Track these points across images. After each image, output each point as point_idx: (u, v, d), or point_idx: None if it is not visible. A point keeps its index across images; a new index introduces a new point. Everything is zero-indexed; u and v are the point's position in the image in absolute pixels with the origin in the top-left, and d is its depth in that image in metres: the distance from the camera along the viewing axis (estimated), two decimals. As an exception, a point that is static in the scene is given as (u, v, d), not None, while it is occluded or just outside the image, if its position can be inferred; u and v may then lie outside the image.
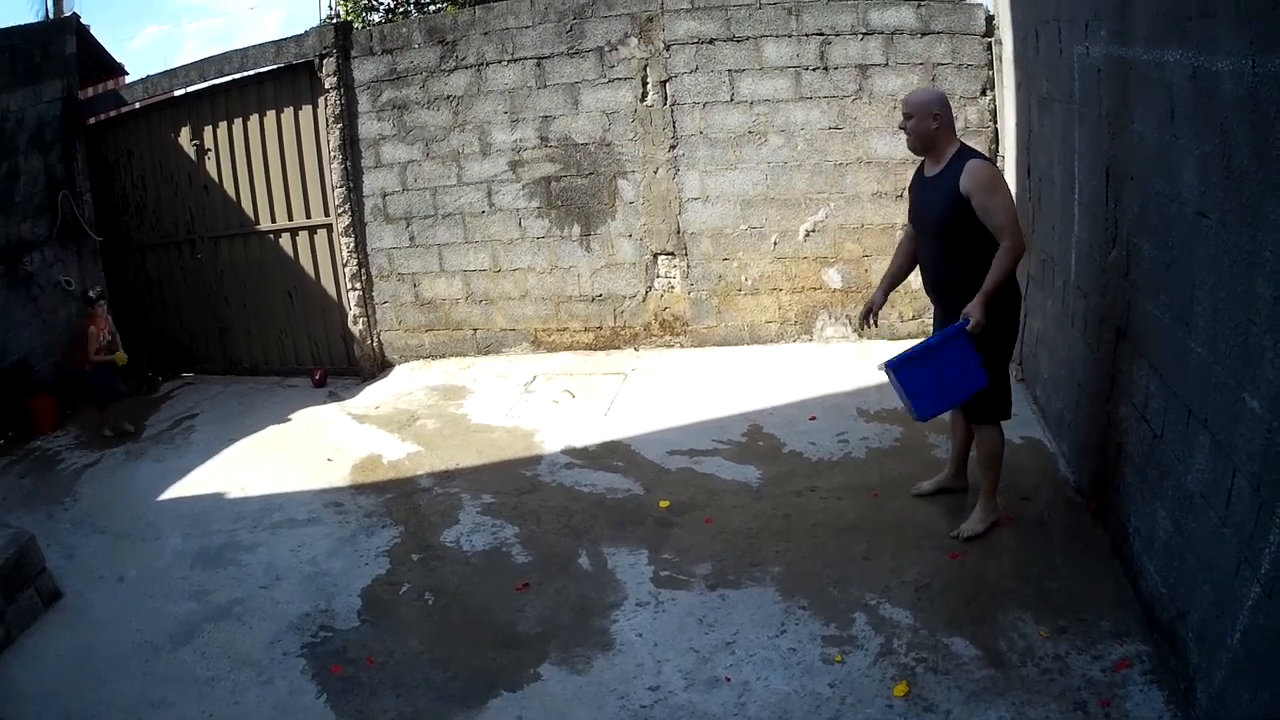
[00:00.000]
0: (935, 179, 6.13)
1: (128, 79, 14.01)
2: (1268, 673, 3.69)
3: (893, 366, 6.01)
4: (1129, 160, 5.56)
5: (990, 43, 9.92)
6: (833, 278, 10.76)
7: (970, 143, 9.95)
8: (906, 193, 6.73)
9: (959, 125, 9.97)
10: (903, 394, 6.08)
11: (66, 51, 12.19)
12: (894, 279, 6.88)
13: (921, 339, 7.26)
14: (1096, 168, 6.27)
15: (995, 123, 10.07)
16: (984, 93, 10.08)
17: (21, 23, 11.92)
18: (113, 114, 12.63)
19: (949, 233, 6.04)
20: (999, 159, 10.04)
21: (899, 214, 10.35)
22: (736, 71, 10.54)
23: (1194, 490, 4.59)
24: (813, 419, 8.72)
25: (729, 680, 5.42)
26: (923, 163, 6.35)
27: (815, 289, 10.84)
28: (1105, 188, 6.07)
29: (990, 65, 9.99)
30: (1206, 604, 4.41)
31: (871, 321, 6.80)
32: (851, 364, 9.89)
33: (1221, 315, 4.19)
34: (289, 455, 9.50)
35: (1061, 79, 7.11)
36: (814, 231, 10.68)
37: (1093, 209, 6.44)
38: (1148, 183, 5.22)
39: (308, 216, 11.95)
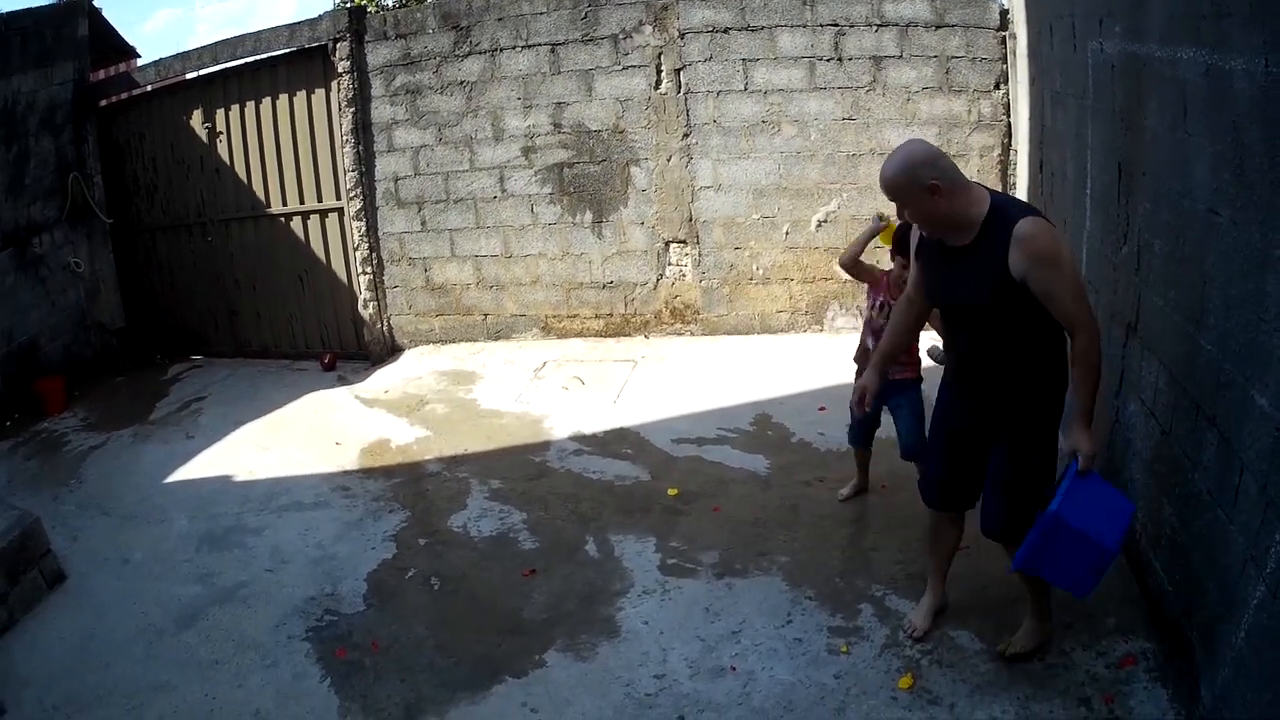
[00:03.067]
0: (965, 252, 4.68)
1: (139, 62, 13.98)
2: (1271, 672, 3.68)
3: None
4: (1141, 156, 5.54)
5: (1004, 37, 9.90)
6: (844, 269, 10.74)
7: (983, 137, 10.05)
8: (909, 259, 5.25)
9: (973, 119, 10.00)
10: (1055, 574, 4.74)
11: (79, 34, 12.17)
12: (891, 357, 5.60)
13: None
14: (1109, 163, 6.25)
15: (1008, 116, 10.05)
16: (997, 86, 10.04)
17: (34, 5, 11.86)
18: (124, 96, 12.60)
19: (996, 325, 4.72)
20: (1012, 152, 10.03)
21: (911, 205, 10.35)
22: (750, 61, 10.52)
23: (1201, 488, 4.58)
24: (822, 409, 8.69)
25: (734, 669, 5.41)
26: None
27: (827, 279, 10.82)
28: (1117, 183, 6.05)
29: (1004, 59, 9.97)
30: (1212, 602, 4.40)
31: (868, 407, 5.48)
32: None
33: (1231, 313, 4.18)
34: (297, 438, 9.50)
35: (1075, 74, 7.09)
36: (826, 222, 10.67)
37: (1104, 204, 6.44)
38: (1160, 179, 5.20)
39: (319, 200, 11.93)
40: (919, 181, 4.53)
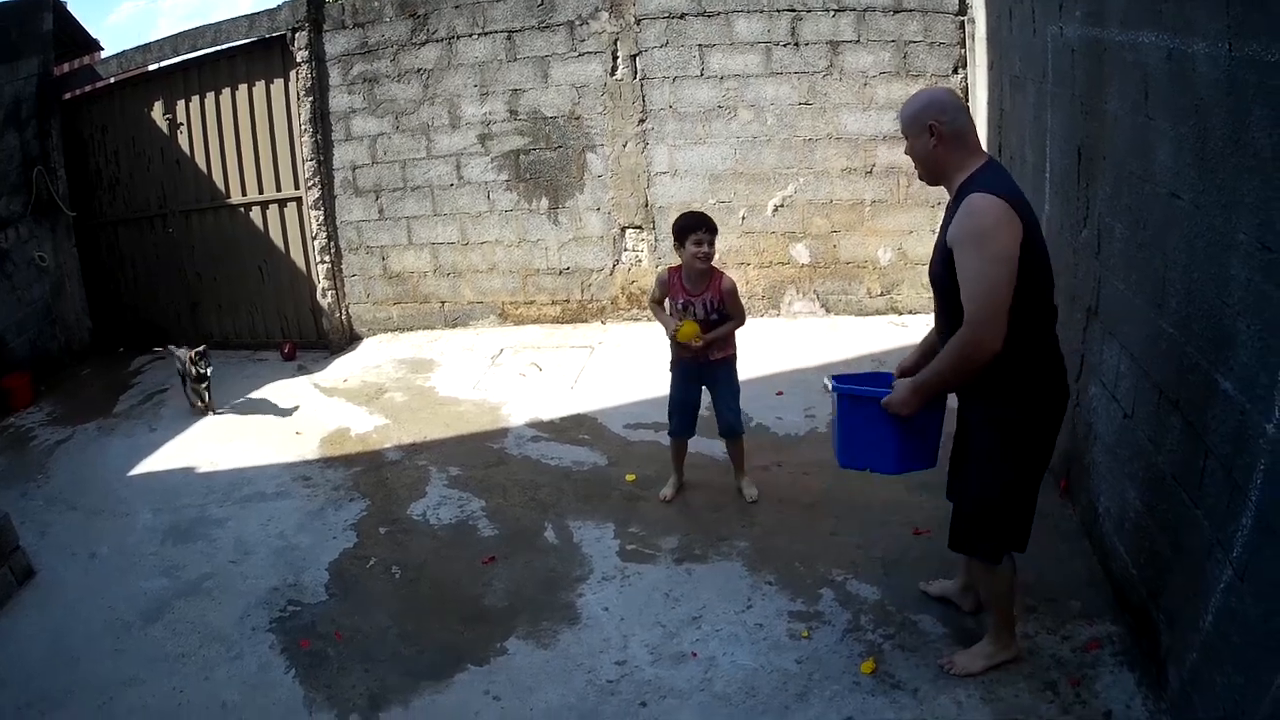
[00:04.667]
0: (947, 218, 4.54)
1: (103, 54, 13.95)
2: (1240, 657, 3.73)
3: (838, 389, 5.15)
4: (1102, 141, 5.59)
5: (963, 21, 9.99)
6: (800, 253, 10.83)
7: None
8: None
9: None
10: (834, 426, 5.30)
11: (44, 28, 12.10)
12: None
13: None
14: (1069, 147, 6.31)
15: (967, 101, 10.07)
16: (955, 71, 10.15)
17: (-2, 0, 11.85)
18: (88, 90, 12.57)
19: (950, 297, 4.45)
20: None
21: (868, 190, 10.52)
22: (707, 46, 10.59)
23: (1165, 472, 4.63)
24: (779, 394, 8.80)
25: (695, 655, 5.44)
26: None
27: (783, 264, 10.92)
28: (1077, 167, 6.10)
29: (963, 44, 10.06)
30: (1178, 586, 4.44)
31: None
32: (819, 339, 9.96)
33: (1194, 297, 4.23)
34: (258, 429, 9.52)
35: (1035, 59, 7.15)
36: (782, 207, 10.76)
37: (1064, 188, 6.49)
38: (1121, 163, 5.25)
39: (278, 190, 11.95)
40: (920, 119, 4.50)
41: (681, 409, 7.07)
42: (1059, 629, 5.24)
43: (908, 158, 4.70)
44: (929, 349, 4.95)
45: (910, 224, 10.65)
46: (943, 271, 4.44)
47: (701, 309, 6.73)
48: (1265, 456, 3.51)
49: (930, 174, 4.64)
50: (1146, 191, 4.83)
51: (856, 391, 5.10)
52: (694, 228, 6.60)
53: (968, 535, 4.82)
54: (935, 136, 4.47)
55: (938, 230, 4.72)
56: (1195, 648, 4.17)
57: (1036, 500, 4.79)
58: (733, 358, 7.00)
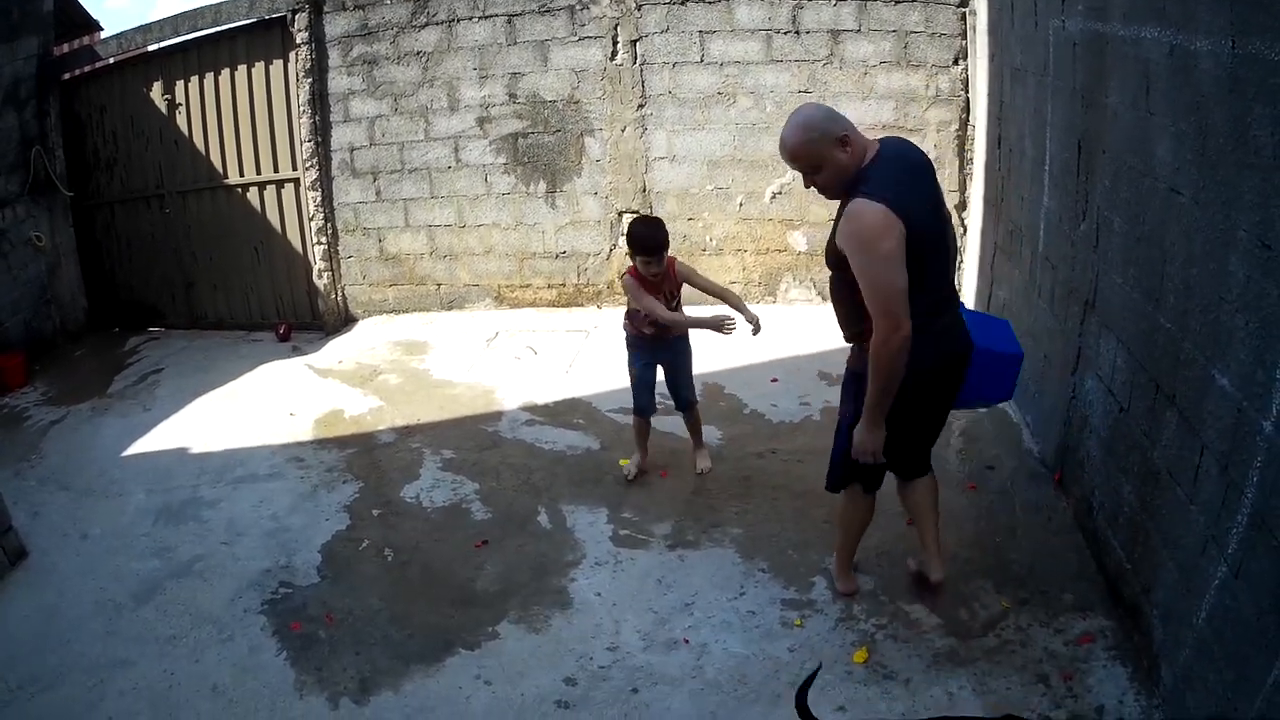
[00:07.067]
0: (840, 212, 4.68)
1: (103, 35, 13.91)
2: (1234, 654, 3.73)
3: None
4: (1102, 134, 5.58)
5: (964, 12, 9.92)
6: (798, 240, 10.82)
7: (941, 112, 10.13)
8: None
9: (931, 94, 10.06)
10: None
11: (44, 8, 12.06)
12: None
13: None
14: (1068, 140, 6.30)
15: (967, 92, 10.11)
16: (956, 62, 10.10)
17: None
18: (86, 70, 12.53)
19: (839, 292, 4.88)
20: (969, 128, 10.08)
21: (866, 178, 10.44)
22: (707, 33, 10.55)
23: (1160, 466, 4.64)
24: (774, 381, 8.81)
25: (687, 642, 5.46)
26: None
27: (780, 251, 10.90)
28: (1077, 160, 6.10)
29: (964, 35, 9.99)
30: (1172, 582, 4.45)
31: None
32: (814, 327, 9.92)
33: (1192, 292, 4.24)
34: (252, 410, 9.51)
35: (1036, 51, 7.13)
36: (780, 194, 10.73)
37: (1063, 181, 6.48)
38: (1120, 158, 5.25)
39: (275, 171, 11.91)
40: (830, 134, 4.49)
41: (649, 388, 7.19)
42: (1051, 621, 5.27)
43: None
44: None
45: (908, 213, 10.54)
46: (835, 261, 4.67)
47: (666, 298, 6.87)
48: (1262, 454, 3.53)
49: (843, 186, 4.62)
50: (1146, 186, 4.83)
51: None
52: (648, 251, 6.67)
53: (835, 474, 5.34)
54: (848, 146, 4.52)
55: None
56: (1189, 644, 4.19)
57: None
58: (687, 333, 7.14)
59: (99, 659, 5.82)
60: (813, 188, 4.72)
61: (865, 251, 4.42)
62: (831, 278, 4.89)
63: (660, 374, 7.22)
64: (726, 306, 6.83)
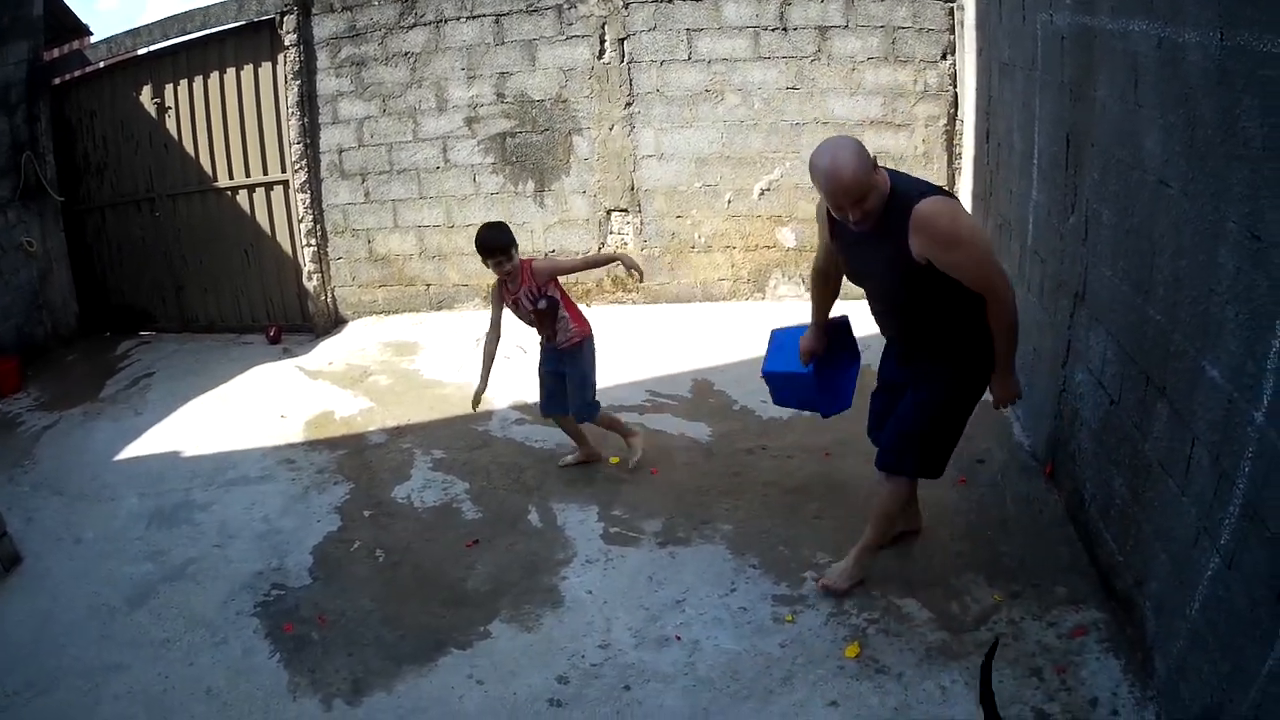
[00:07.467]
0: (870, 237, 4.83)
1: (93, 39, 13.93)
2: (1228, 645, 3.73)
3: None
4: (1090, 127, 5.59)
5: (952, 7, 9.99)
6: (786, 236, 10.86)
7: (929, 107, 10.17)
8: (823, 229, 5.37)
9: (919, 89, 10.13)
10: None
11: (34, 14, 12.08)
12: (826, 311, 5.91)
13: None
14: (1057, 134, 6.30)
15: (955, 87, 10.17)
16: (944, 57, 10.17)
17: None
18: (76, 74, 12.55)
19: (908, 298, 5.01)
20: (958, 122, 10.12)
21: (854, 174, 10.47)
22: (695, 30, 10.59)
23: (1152, 459, 4.63)
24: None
25: (679, 639, 5.44)
26: None
27: (769, 247, 10.95)
28: (1065, 154, 6.11)
29: (951, 30, 10.05)
30: (1164, 573, 4.45)
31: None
32: (804, 322, 9.95)
33: (1182, 284, 4.23)
34: (243, 412, 9.52)
35: (1024, 45, 7.15)
36: (768, 190, 10.78)
37: (1051, 174, 6.49)
38: (1109, 150, 5.25)
39: (265, 173, 11.93)
40: (866, 161, 4.57)
41: (546, 391, 7.44)
42: (1044, 615, 5.25)
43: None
44: (826, 312, 5.85)
45: (897, 208, 10.60)
46: (902, 283, 4.89)
47: (528, 301, 7.00)
48: (1253, 444, 3.52)
49: (881, 208, 4.71)
50: (1134, 179, 4.83)
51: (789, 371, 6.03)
52: (486, 253, 6.95)
53: (901, 455, 5.28)
54: (878, 170, 4.65)
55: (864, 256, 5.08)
56: (1182, 635, 4.17)
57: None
58: (580, 345, 7.24)
59: (94, 663, 5.80)
60: (855, 216, 4.68)
61: (959, 241, 4.64)
62: (901, 304, 5.10)
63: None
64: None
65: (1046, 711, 4.61)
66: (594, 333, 7.34)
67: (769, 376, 6.25)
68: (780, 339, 6.30)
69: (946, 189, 4.66)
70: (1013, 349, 5.00)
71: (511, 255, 6.87)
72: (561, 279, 7.19)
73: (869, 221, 4.70)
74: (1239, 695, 3.57)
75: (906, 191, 4.70)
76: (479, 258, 6.84)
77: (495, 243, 6.82)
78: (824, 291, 5.78)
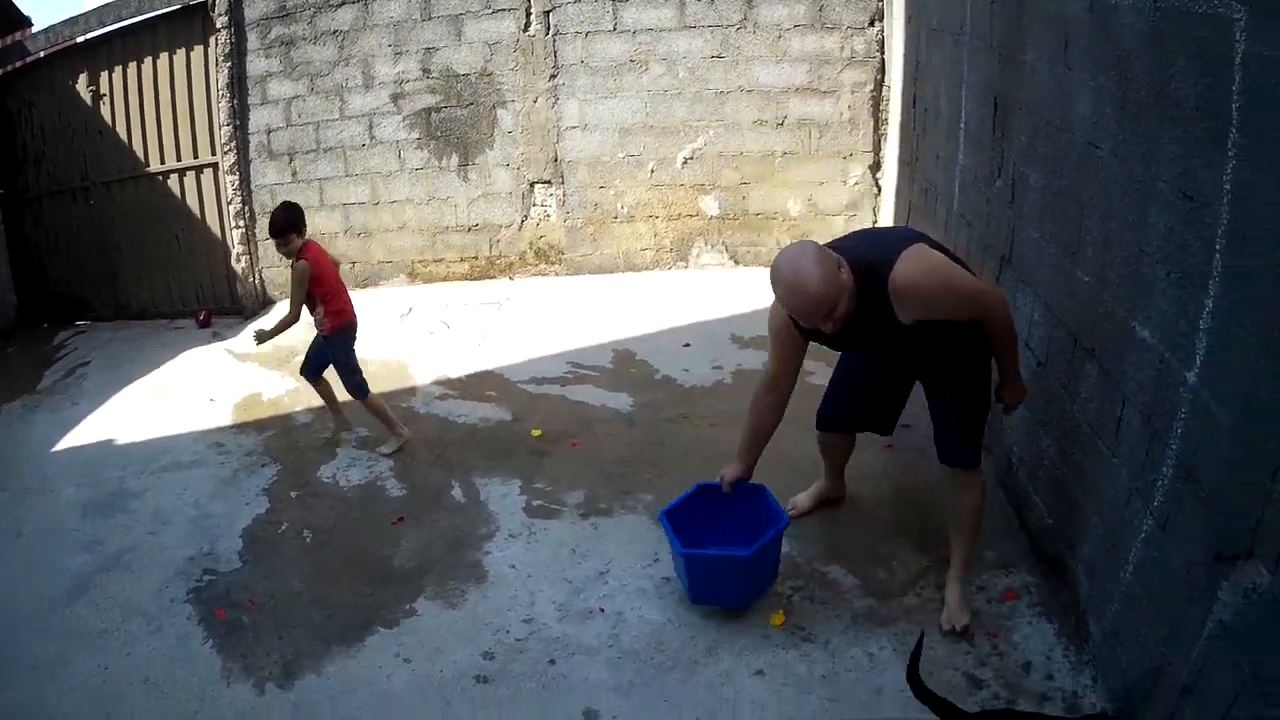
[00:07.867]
0: (854, 319, 4.45)
1: (33, 30, 13.86)
2: (1164, 607, 3.79)
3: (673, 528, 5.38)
4: (1019, 91, 5.68)
5: (880, -26, 10.06)
6: (710, 205, 11.01)
7: (855, 74, 10.37)
8: (784, 340, 5.00)
9: (845, 55, 10.27)
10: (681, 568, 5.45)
11: (-25, 9, 12.02)
12: (760, 443, 5.52)
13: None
14: (985, 98, 6.40)
15: (882, 53, 10.34)
16: (872, 23, 10.35)
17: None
18: (17, 65, 12.45)
19: (915, 355, 4.96)
20: (885, 88, 10.27)
21: (779, 142, 10.74)
22: (620, 1, 10.68)
23: (1081, 420, 4.75)
24: (686, 346, 8.96)
25: (603, 611, 5.52)
26: None
27: (692, 216, 11.10)
28: (993, 117, 6.20)
29: (879, -3, 10.14)
30: (1096, 536, 4.55)
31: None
32: (726, 291, 10.08)
33: (1111, 245, 4.33)
34: (174, 398, 9.51)
35: (953, 10, 7.25)
36: (692, 159, 10.92)
37: (979, 138, 6.58)
38: (1037, 113, 5.34)
39: (195, 156, 11.90)
40: (833, 267, 4.29)
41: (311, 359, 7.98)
42: (974, 580, 5.31)
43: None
44: (761, 442, 5.51)
45: (821, 175, 10.86)
46: (900, 346, 4.81)
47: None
48: (1186, 405, 3.61)
49: (854, 301, 4.40)
50: (1063, 141, 4.92)
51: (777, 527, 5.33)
52: (270, 233, 7.54)
53: (970, 449, 5.03)
54: (843, 267, 4.35)
55: (852, 349, 5.27)
56: (1116, 599, 4.27)
57: None
58: (337, 332, 7.71)
59: (38, 658, 5.75)
60: (829, 327, 4.41)
61: (944, 292, 4.49)
62: (906, 359, 5.10)
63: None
64: None
65: (978, 677, 4.72)
66: (352, 325, 7.85)
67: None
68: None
69: (908, 229, 4.51)
70: (1018, 354, 4.91)
71: (290, 239, 7.30)
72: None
73: (841, 323, 4.39)
74: (1178, 658, 3.61)
75: (873, 264, 4.40)
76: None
77: (280, 223, 7.31)
78: (766, 420, 5.41)
